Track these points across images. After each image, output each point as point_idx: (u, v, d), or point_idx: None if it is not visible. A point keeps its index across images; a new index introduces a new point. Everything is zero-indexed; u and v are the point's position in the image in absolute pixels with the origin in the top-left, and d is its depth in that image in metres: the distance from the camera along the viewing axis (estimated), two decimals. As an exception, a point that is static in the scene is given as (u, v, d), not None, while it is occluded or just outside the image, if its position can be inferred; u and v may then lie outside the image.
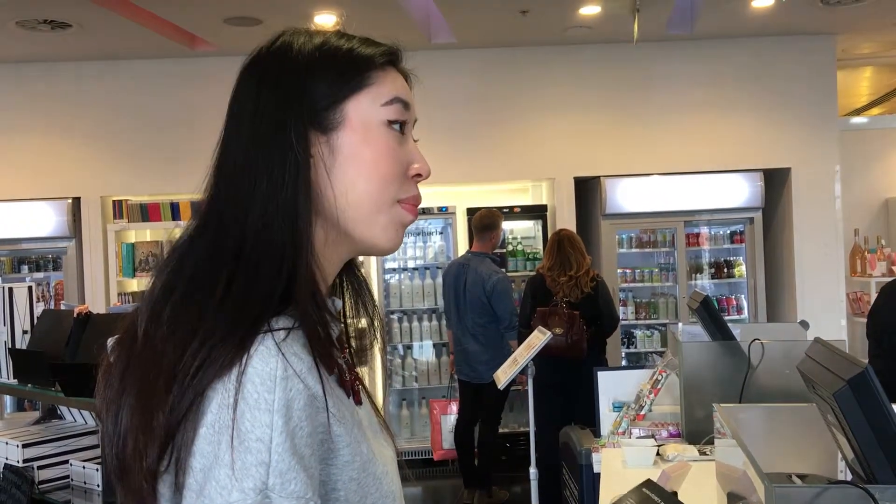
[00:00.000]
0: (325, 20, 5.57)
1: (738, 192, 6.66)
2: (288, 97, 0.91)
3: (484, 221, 5.37)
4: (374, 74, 0.94)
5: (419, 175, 0.96)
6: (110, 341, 0.95)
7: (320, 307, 0.87)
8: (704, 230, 6.83)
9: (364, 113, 0.92)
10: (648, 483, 1.28)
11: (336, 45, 0.94)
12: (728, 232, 6.85)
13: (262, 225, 0.86)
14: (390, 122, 0.93)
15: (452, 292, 5.36)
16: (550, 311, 4.82)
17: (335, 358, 0.87)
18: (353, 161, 0.91)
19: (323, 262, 0.91)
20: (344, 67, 0.93)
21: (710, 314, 3.03)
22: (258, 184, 0.88)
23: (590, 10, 5.70)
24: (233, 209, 0.88)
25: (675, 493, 1.62)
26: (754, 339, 2.76)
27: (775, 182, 6.75)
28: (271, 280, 0.84)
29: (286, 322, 0.82)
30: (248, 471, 0.75)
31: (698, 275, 6.82)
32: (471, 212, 6.17)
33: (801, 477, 1.58)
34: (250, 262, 0.85)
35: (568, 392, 4.80)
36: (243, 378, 0.78)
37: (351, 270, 1.03)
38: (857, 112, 9.71)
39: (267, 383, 0.78)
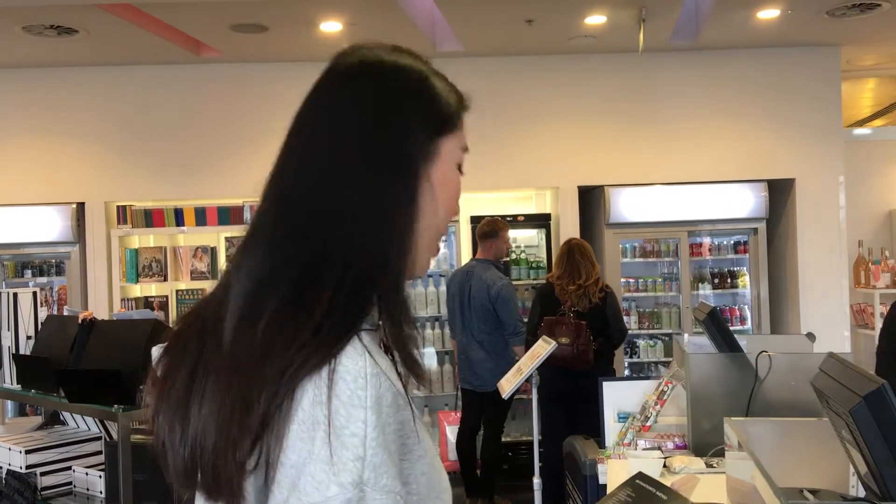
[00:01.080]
0: (331, 27, 5.58)
1: (742, 202, 6.65)
2: (409, 118, 0.94)
3: (485, 229, 5.41)
4: (462, 119, 1.01)
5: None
6: (156, 350, 0.96)
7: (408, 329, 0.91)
8: (708, 240, 6.82)
9: (451, 152, 0.98)
10: (640, 475, 1.28)
11: (442, 79, 1.00)
12: (732, 242, 6.84)
13: (378, 242, 0.89)
14: (459, 166, 1.00)
15: (457, 300, 5.36)
16: (557, 321, 4.81)
17: (417, 370, 0.91)
18: (438, 192, 0.96)
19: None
20: (452, 105, 0.99)
21: (717, 326, 3.02)
22: (373, 207, 0.90)
23: (595, 20, 5.70)
24: (336, 230, 0.89)
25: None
26: (762, 352, 2.75)
27: (779, 192, 6.75)
28: (373, 291, 0.88)
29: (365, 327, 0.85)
30: (345, 465, 0.77)
31: (701, 285, 6.81)
32: (475, 220, 6.16)
33: (813, 492, 1.57)
34: (359, 272, 0.87)
35: (573, 402, 4.79)
36: (335, 376, 0.80)
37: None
38: (861, 123, 9.71)
39: (359, 380, 0.80)
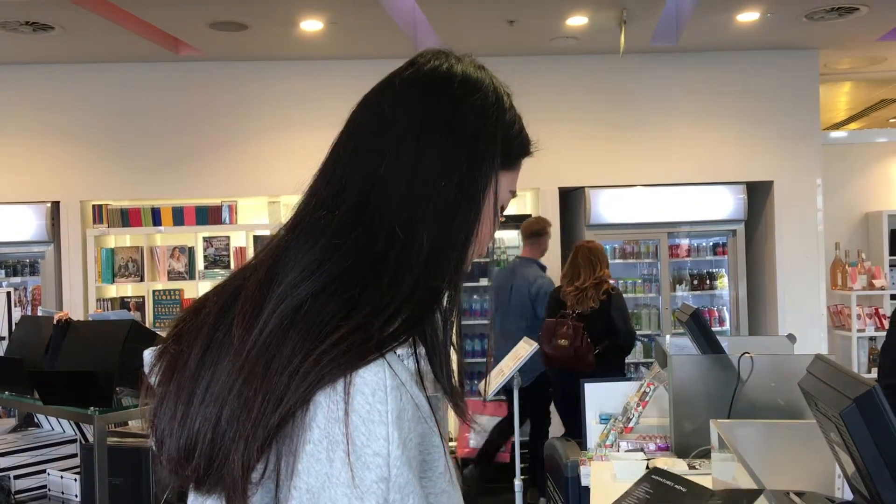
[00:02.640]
0: (312, 26, 5.54)
1: (720, 204, 6.69)
2: (486, 136, 0.92)
3: (533, 227, 5.49)
4: (520, 162, 1.00)
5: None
6: (148, 353, 0.92)
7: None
8: (687, 242, 6.86)
9: (502, 188, 0.96)
10: (656, 470, 1.26)
11: (517, 117, 0.99)
12: (710, 244, 6.88)
13: (438, 251, 0.86)
14: (502, 208, 0.98)
15: (500, 296, 5.42)
16: (557, 323, 4.84)
17: (451, 382, 0.87)
18: (485, 221, 0.93)
19: None
20: (520, 140, 0.98)
21: (700, 327, 3.03)
22: (444, 211, 0.87)
23: (577, 21, 5.71)
24: (409, 226, 0.86)
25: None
26: (744, 353, 2.75)
27: (758, 195, 6.80)
28: (421, 301, 0.84)
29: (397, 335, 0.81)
30: (370, 488, 0.72)
31: (680, 286, 6.84)
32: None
33: (799, 494, 1.57)
34: (414, 280, 0.84)
35: (576, 404, 4.80)
36: (351, 389, 0.74)
37: None
38: (836, 126, 9.81)
39: (378, 394, 0.74)
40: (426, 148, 0.88)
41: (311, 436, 0.74)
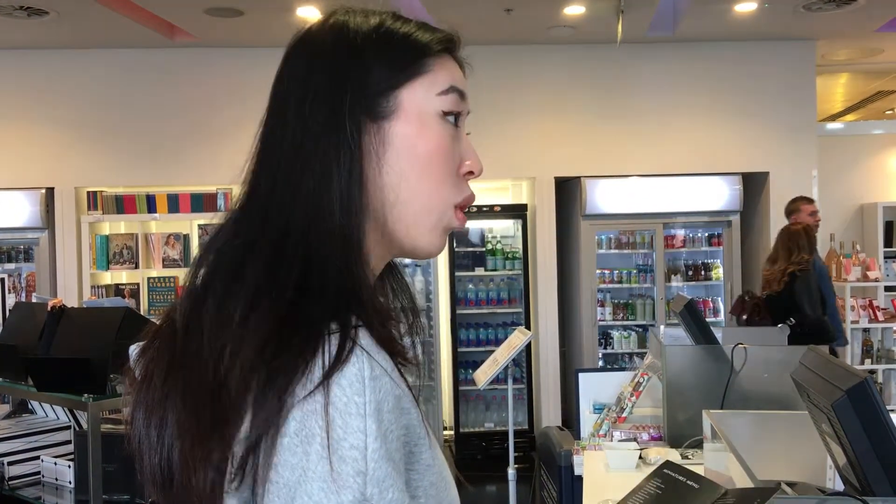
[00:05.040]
0: (308, 12, 5.52)
1: (716, 195, 6.70)
2: (342, 79, 0.84)
3: (787, 208, 5.64)
4: (430, 61, 0.87)
5: (471, 173, 0.90)
6: (133, 348, 0.89)
7: (377, 306, 0.81)
8: (682, 232, 6.87)
9: (419, 102, 0.85)
10: (668, 464, 1.26)
11: (393, 27, 0.88)
12: (706, 234, 6.89)
13: (315, 216, 0.80)
14: (445, 114, 0.87)
15: None
16: (742, 300, 5.07)
17: (404, 356, 0.81)
18: (405, 154, 0.84)
19: (370, 261, 0.84)
20: (401, 52, 0.86)
21: (694, 318, 3.03)
22: (309, 172, 0.81)
23: (574, 10, 5.69)
24: (280, 198, 0.81)
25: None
26: (737, 344, 2.76)
27: (753, 186, 6.80)
28: (326, 276, 0.78)
29: (347, 321, 0.75)
30: (346, 482, 0.69)
31: (675, 276, 6.85)
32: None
33: (791, 485, 1.58)
34: (301, 257, 0.78)
35: None
36: (329, 381, 0.71)
37: (392, 272, 0.96)
38: (833, 118, 9.81)
39: (355, 385, 0.71)
40: (282, 112, 0.85)
41: (287, 429, 0.71)
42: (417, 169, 0.85)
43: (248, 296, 0.77)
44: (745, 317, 4.98)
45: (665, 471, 1.23)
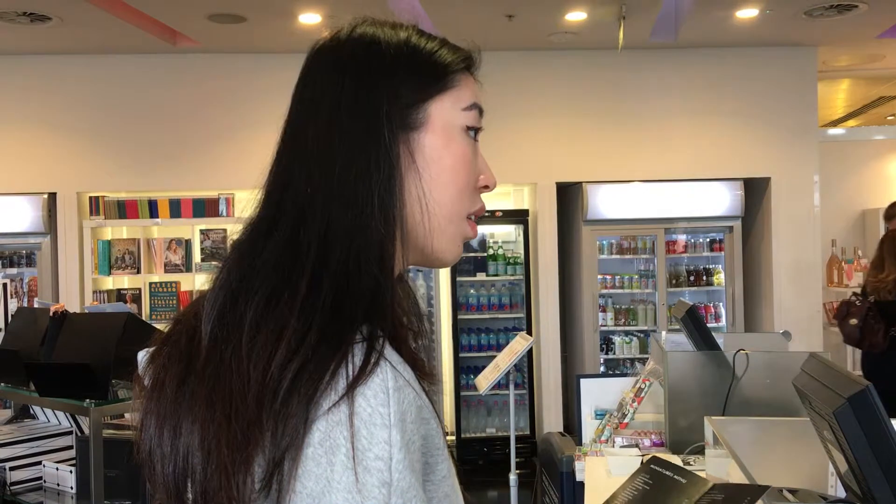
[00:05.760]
0: (310, 19, 5.53)
1: (718, 200, 6.70)
2: (378, 90, 0.85)
3: (887, 212, 5.58)
4: (457, 77, 0.90)
5: (486, 187, 0.93)
6: (142, 354, 0.89)
7: (401, 318, 0.82)
8: (684, 238, 6.87)
9: (446, 116, 0.88)
10: (655, 459, 1.26)
11: (421, 43, 0.91)
12: (707, 240, 6.89)
13: (355, 226, 0.80)
14: (468, 128, 0.90)
15: None
16: (850, 303, 4.99)
17: (423, 368, 0.81)
18: (432, 165, 0.86)
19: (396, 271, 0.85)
20: (431, 66, 0.89)
21: (696, 323, 3.03)
22: (348, 181, 0.81)
23: (576, 17, 5.70)
24: (317, 208, 0.81)
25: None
26: (739, 350, 2.76)
27: (755, 191, 6.80)
28: (361, 286, 0.78)
29: (374, 332, 0.76)
30: (371, 493, 0.69)
31: (677, 282, 6.85)
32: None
33: (792, 492, 1.58)
34: (341, 266, 0.78)
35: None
36: (353, 392, 0.72)
37: (400, 278, 0.95)
38: (834, 124, 9.81)
39: (380, 396, 0.72)
40: (310, 122, 0.85)
41: (311, 439, 0.72)
42: (443, 180, 0.87)
43: (284, 303, 0.77)
44: (854, 321, 4.90)
45: (652, 466, 1.23)
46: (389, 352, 0.76)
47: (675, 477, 1.19)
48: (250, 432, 0.73)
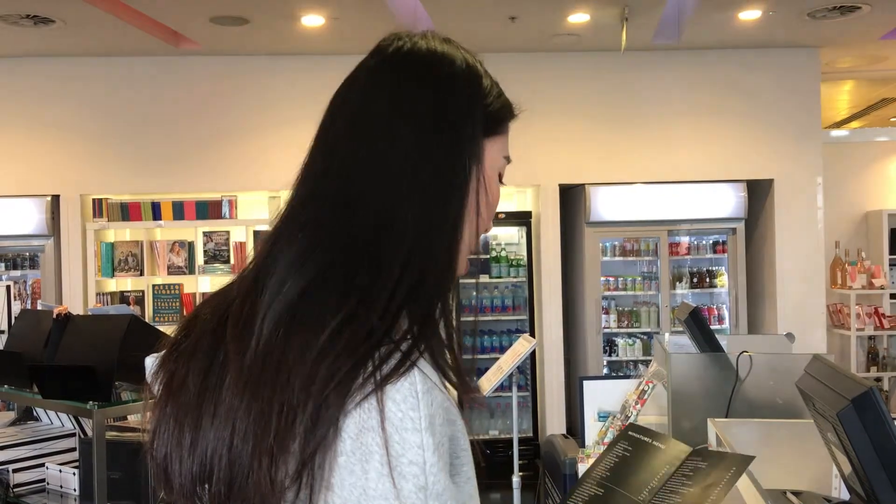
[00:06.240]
0: (313, 21, 5.54)
1: (721, 202, 6.69)
2: (461, 109, 0.88)
3: None
4: (507, 125, 0.95)
5: (487, 228, 0.96)
6: (150, 359, 0.89)
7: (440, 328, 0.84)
8: (687, 239, 6.86)
9: (494, 156, 0.92)
10: (632, 426, 1.26)
11: (494, 83, 0.95)
12: (710, 242, 6.88)
13: (430, 242, 0.82)
14: (500, 175, 0.95)
15: None
16: None
17: (445, 370, 0.82)
18: (482, 197, 0.89)
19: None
20: (500, 106, 0.94)
21: (699, 325, 3.02)
22: (428, 197, 0.84)
23: (578, 18, 5.70)
24: (389, 211, 0.82)
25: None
26: (742, 352, 2.75)
27: (758, 193, 6.79)
28: (421, 295, 0.80)
29: (418, 341, 0.77)
30: (408, 498, 0.70)
31: (680, 284, 6.84)
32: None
33: (796, 493, 1.57)
34: (404, 268, 0.80)
35: None
36: (382, 396, 0.72)
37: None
38: (837, 125, 9.80)
39: (409, 400, 0.72)
40: (398, 129, 0.85)
41: (343, 447, 0.72)
42: (483, 211, 0.90)
43: (334, 304, 0.77)
44: None
45: (630, 433, 1.22)
46: (420, 359, 0.77)
47: (654, 443, 1.19)
48: (289, 418, 0.73)
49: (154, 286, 6.39)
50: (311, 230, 0.83)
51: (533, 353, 6.19)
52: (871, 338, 6.99)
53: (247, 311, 0.81)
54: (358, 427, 0.71)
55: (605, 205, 6.57)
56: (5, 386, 3.22)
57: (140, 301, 6.34)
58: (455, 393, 0.83)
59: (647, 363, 6.01)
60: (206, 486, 0.79)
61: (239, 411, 0.76)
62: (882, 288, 6.99)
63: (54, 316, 3.21)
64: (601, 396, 3.41)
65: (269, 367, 0.76)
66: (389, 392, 0.72)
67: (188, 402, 0.81)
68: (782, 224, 6.66)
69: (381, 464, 0.70)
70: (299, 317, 0.77)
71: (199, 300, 6.05)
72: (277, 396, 0.74)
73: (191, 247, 6.43)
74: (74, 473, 2.94)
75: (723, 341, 3.10)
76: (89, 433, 2.96)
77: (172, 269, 6.39)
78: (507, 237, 6.81)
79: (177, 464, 0.81)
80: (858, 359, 6.94)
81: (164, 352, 0.88)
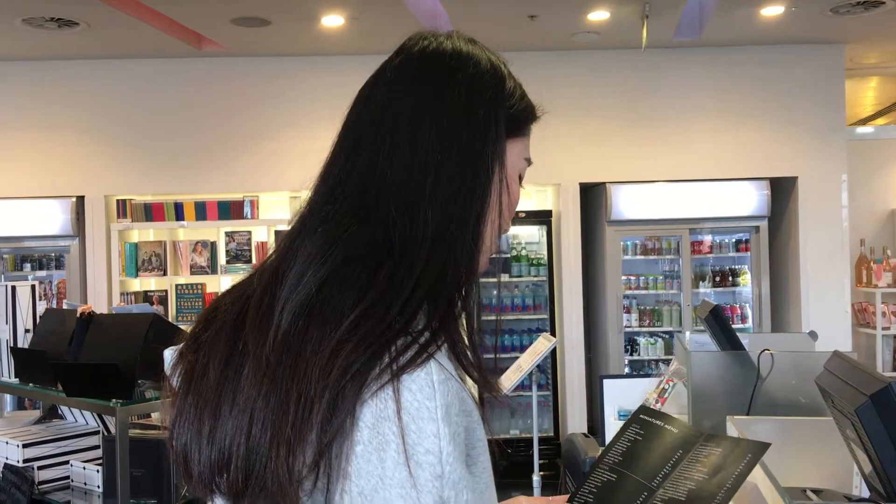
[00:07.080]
0: (333, 21, 5.56)
1: (744, 200, 6.63)
2: (485, 110, 0.89)
3: None
4: (530, 128, 0.97)
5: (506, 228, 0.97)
6: (168, 352, 0.90)
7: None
8: (709, 238, 6.81)
9: (515, 158, 0.93)
10: (644, 409, 1.25)
11: (517, 85, 0.96)
12: (733, 240, 6.82)
13: (446, 229, 0.83)
14: (520, 177, 0.95)
15: None
16: None
17: (461, 360, 0.82)
18: (504, 197, 0.90)
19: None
20: (523, 107, 0.95)
21: (720, 324, 3.00)
22: (455, 194, 0.85)
23: (598, 16, 5.68)
24: (411, 206, 0.83)
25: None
26: (764, 350, 2.73)
27: (782, 191, 6.73)
28: (448, 288, 0.81)
29: (437, 333, 0.78)
30: (425, 486, 0.70)
31: (702, 283, 6.79)
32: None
33: (816, 492, 1.56)
34: (427, 263, 0.81)
35: None
36: (399, 385, 0.73)
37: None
38: (863, 122, 9.69)
39: (425, 389, 0.73)
40: (421, 126, 0.86)
41: (360, 436, 0.72)
42: (504, 211, 0.91)
43: (359, 299, 0.78)
44: None
45: (641, 416, 1.21)
46: (438, 352, 0.77)
47: (667, 427, 1.18)
48: (307, 408, 0.74)
49: (177, 286, 6.44)
50: (331, 224, 0.83)
51: (554, 353, 6.17)
52: (896, 337, 6.89)
53: (266, 303, 0.81)
54: (374, 416, 0.72)
55: (626, 203, 6.54)
56: (30, 384, 3.27)
57: (163, 301, 6.40)
58: (475, 390, 0.84)
59: (668, 362, 5.99)
60: (225, 474, 0.80)
61: (258, 401, 0.77)
62: (908, 286, 6.89)
63: (78, 315, 3.25)
64: (621, 395, 3.40)
65: (287, 357, 0.77)
66: (406, 382, 0.73)
67: (208, 392, 0.82)
68: (806, 222, 6.59)
69: (398, 452, 0.71)
70: (318, 309, 0.78)
71: (221, 300, 6.09)
72: (295, 387, 0.75)
73: (213, 247, 6.48)
74: (98, 471, 2.97)
75: (745, 340, 3.07)
76: (112, 431, 2.99)
77: (195, 269, 6.44)
78: (527, 236, 6.79)
79: (196, 452, 0.82)
80: (884, 357, 6.85)
81: (182, 344, 0.89)
